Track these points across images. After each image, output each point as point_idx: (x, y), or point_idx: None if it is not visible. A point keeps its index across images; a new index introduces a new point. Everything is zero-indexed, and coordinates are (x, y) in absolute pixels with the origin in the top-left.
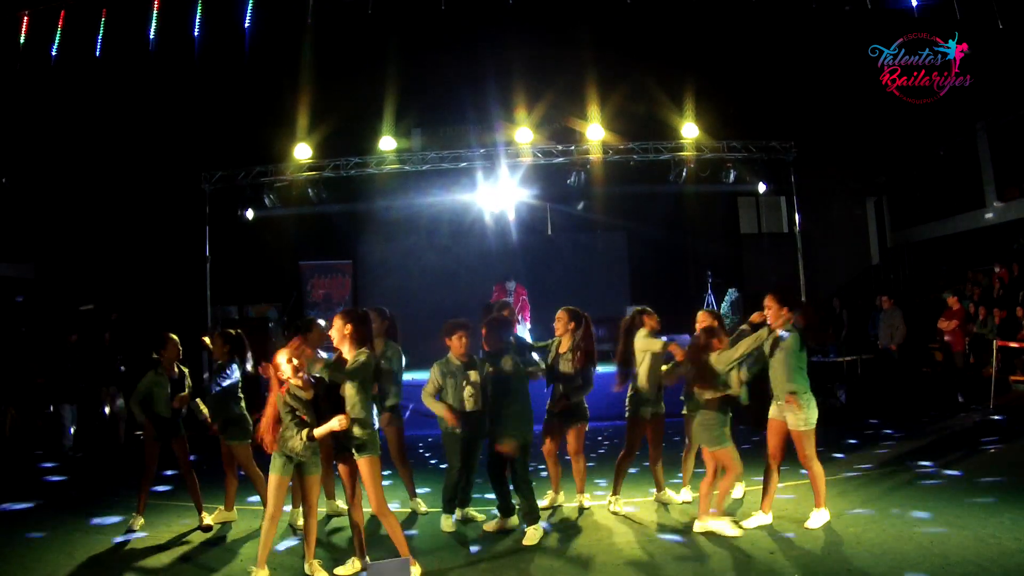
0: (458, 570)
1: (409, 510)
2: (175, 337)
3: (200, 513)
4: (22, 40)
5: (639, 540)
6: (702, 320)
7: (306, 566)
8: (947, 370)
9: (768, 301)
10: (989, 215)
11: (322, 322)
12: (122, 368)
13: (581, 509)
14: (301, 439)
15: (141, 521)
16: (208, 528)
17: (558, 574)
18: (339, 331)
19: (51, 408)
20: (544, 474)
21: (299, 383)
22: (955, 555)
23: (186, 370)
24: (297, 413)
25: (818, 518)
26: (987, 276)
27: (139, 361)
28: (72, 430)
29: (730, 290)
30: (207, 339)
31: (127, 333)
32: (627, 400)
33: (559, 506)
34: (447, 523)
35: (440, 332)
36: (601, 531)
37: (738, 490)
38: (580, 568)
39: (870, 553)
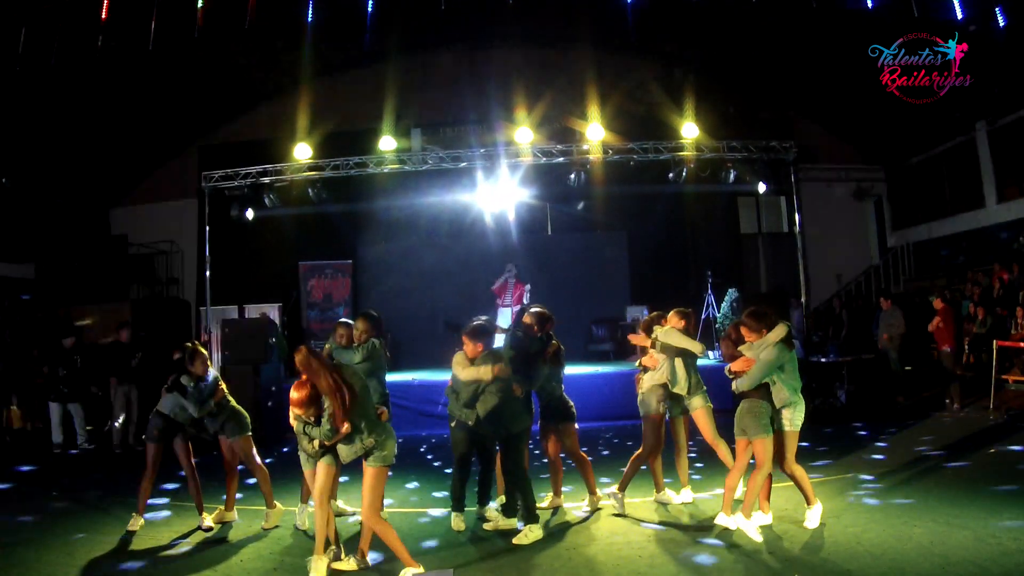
0: (459, 570)
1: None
2: (204, 351)
3: (201, 514)
4: (22, 41)
5: (639, 540)
6: (671, 320)
7: (311, 561)
8: (940, 370)
9: (745, 331)
10: (988, 215)
11: (347, 320)
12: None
13: (594, 511)
14: (312, 446)
15: (141, 522)
16: (208, 529)
17: (558, 574)
18: None
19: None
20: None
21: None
22: (955, 555)
23: (218, 373)
24: (307, 429)
25: (814, 516)
26: (987, 276)
27: (160, 362)
28: (61, 429)
29: (730, 290)
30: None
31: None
32: (653, 397)
33: (559, 507)
34: (457, 522)
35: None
36: (601, 531)
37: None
38: (580, 568)
39: (870, 553)
